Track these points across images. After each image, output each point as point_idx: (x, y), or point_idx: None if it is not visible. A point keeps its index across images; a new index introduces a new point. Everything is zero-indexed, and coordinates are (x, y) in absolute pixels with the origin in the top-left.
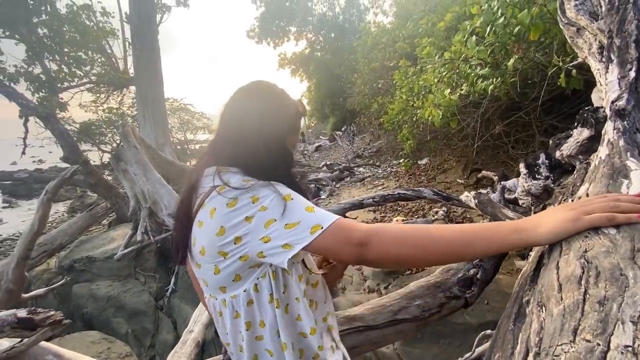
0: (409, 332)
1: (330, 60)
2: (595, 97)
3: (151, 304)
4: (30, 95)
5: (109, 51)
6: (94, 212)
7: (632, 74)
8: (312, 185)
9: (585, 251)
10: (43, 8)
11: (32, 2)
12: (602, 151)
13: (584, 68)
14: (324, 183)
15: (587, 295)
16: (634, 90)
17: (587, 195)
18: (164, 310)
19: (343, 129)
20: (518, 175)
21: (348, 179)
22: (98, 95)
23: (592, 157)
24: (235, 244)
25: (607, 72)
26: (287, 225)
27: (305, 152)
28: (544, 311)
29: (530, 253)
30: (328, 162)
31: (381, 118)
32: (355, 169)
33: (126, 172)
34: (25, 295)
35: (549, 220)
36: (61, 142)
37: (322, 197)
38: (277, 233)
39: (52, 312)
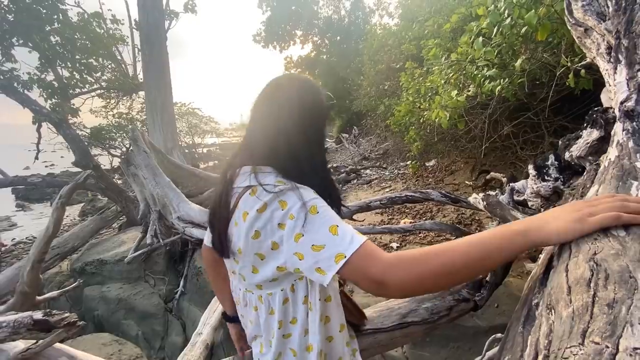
0: (417, 335)
1: (336, 62)
2: (605, 98)
3: (161, 306)
4: (43, 102)
5: (119, 57)
6: (105, 216)
7: None
8: None
9: (595, 254)
10: (55, 17)
11: (45, 11)
12: (612, 152)
13: (593, 68)
14: None
15: (596, 298)
16: None
17: (597, 197)
18: (173, 313)
19: (344, 134)
20: (527, 176)
21: (355, 181)
22: (108, 100)
23: (601, 158)
24: (272, 249)
25: (615, 72)
26: (314, 247)
27: None
28: (553, 314)
29: (540, 255)
30: (334, 165)
31: (388, 120)
32: (362, 171)
33: (136, 176)
34: (40, 298)
35: (555, 220)
36: (73, 147)
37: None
38: (307, 252)
39: (67, 314)
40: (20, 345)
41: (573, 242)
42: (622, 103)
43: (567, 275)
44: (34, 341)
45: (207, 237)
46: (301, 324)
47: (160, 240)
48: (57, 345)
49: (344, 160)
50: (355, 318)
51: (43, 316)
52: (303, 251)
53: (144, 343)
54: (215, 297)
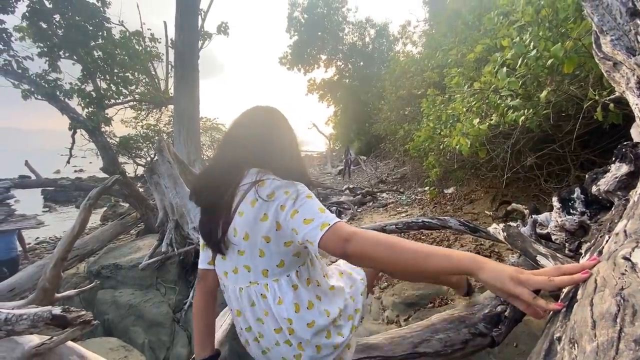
0: None
1: (358, 86)
2: (635, 133)
3: (169, 315)
4: (80, 110)
5: (153, 72)
6: (125, 222)
7: None
8: (334, 208)
9: (622, 289)
10: (100, 33)
11: (91, 28)
12: None
13: (623, 102)
14: (345, 206)
15: (623, 334)
16: None
17: (625, 232)
18: (180, 324)
19: (362, 157)
20: (550, 209)
21: (370, 203)
22: (139, 112)
23: (631, 193)
24: (277, 230)
25: None
26: (305, 221)
27: (329, 174)
28: (576, 348)
29: (563, 291)
30: (351, 186)
31: (407, 144)
32: (378, 194)
33: (158, 185)
34: (58, 295)
35: (499, 268)
36: (102, 154)
37: (344, 220)
38: (299, 225)
39: (83, 312)
40: (35, 340)
41: (599, 276)
42: None
43: (592, 309)
44: (49, 337)
45: (202, 260)
46: (316, 303)
47: (175, 249)
48: (69, 343)
49: (360, 182)
50: None
51: (62, 312)
52: (296, 225)
53: (149, 352)
54: (223, 311)
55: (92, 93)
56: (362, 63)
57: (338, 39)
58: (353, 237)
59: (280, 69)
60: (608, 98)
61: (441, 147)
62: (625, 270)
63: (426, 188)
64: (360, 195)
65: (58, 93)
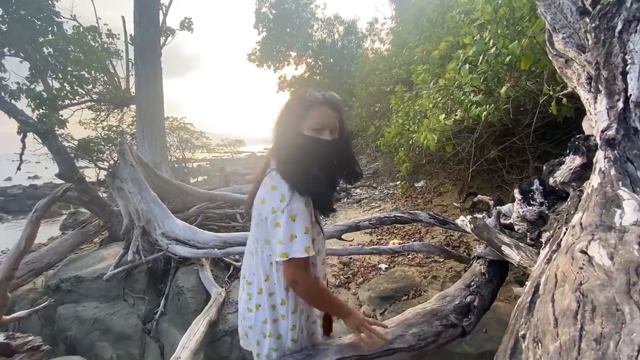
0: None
1: (329, 84)
2: (586, 126)
3: (138, 327)
4: (30, 112)
5: (112, 71)
6: (86, 230)
7: (620, 104)
8: None
9: (581, 284)
10: (50, 29)
11: (39, 23)
12: (594, 180)
13: (574, 97)
14: None
15: (584, 332)
16: (622, 120)
17: (581, 224)
18: (151, 335)
19: None
20: (513, 200)
21: (345, 200)
22: (98, 113)
23: (585, 184)
24: (272, 213)
25: (595, 102)
26: (279, 241)
27: None
28: (540, 348)
29: (527, 282)
30: None
31: (378, 140)
32: (352, 190)
33: (121, 190)
34: (7, 317)
35: (355, 317)
36: (57, 159)
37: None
38: (274, 240)
39: (30, 337)
40: None
41: (559, 270)
42: (603, 132)
43: (553, 305)
44: None
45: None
46: (276, 280)
47: (142, 257)
48: None
49: None
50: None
51: (4, 339)
52: (272, 237)
53: None
54: (196, 319)
55: (43, 93)
56: (332, 60)
57: (307, 35)
58: (298, 283)
59: (249, 65)
60: (561, 93)
61: (410, 142)
62: (583, 264)
63: (398, 183)
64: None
65: (3, 94)
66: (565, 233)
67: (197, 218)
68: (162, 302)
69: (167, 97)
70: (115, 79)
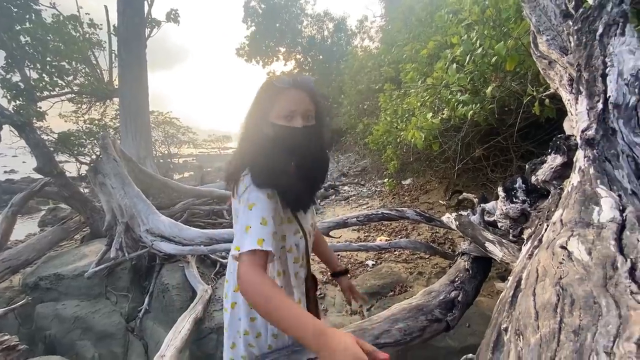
0: (390, 356)
1: (318, 80)
2: (567, 126)
3: (121, 325)
4: (6, 103)
5: (94, 62)
6: (66, 226)
7: (600, 105)
8: None
9: (560, 278)
10: (27, 16)
11: (16, 10)
12: (574, 178)
13: (557, 98)
14: None
15: (563, 324)
16: (602, 121)
17: (561, 221)
18: (135, 333)
19: None
20: (497, 197)
21: (333, 197)
22: (79, 105)
23: (565, 182)
24: (238, 205)
25: (576, 103)
26: (238, 232)
27: None
28: (521, 340)
29: (509, 278)
30: None
31: (366, 138)
32: (340, 187)
33: (103, 185)
34: None
35: (341, 340)
36: (36, 153)
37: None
38: (235, 232)
39: (6, 337)
40: None
41: (540, 265)
42: (583, 132)
43: (534, 299)
44: None
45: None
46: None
47: (126, 254)
48: None
49: None
50: None
51: None
52: (234, 229)
53: None
54: (181, 317)
55: (20, 84)
56: (321, 57)
57: (297, 31)
58: (240, 280)
59: (238, 60)
60: (544, 94)
61: (398, 140)
62: (563, 259)
63: (385, 180)
64: (323, 189)
65: None
66: (546, 229)
67: (183, 214)
68: (146, 300)
69: (152, 89)
70: (98, 70)
